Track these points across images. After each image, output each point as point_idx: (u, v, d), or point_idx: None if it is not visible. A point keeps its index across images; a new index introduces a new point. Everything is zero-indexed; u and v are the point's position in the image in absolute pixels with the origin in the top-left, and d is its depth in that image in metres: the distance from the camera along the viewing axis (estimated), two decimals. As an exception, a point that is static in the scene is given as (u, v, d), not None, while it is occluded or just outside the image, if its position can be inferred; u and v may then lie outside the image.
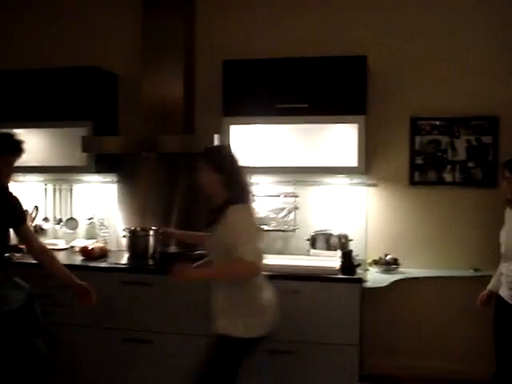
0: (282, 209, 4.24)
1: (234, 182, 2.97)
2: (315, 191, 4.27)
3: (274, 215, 4.25)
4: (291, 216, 4.22)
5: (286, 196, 4.25)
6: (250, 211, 2.97)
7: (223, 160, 3.00)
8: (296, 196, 4.23)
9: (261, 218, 4.20)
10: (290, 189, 4.26)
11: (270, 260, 3.92)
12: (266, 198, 4.27)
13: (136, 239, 4.25)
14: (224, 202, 2.94)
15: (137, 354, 3.90)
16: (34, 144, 4.40)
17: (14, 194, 3.33)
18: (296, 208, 4.21)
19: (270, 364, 3.66)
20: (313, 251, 4.07)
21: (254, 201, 3.04)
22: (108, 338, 3.93)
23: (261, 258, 2.90)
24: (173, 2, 4.21)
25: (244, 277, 2.91)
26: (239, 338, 2.91)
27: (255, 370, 3.65)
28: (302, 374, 3.65)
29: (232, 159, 3.02)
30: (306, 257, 4.03)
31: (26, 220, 3.39)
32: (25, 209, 3.45)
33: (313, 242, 4.09)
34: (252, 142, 4.14)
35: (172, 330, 3.84)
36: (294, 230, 4.20)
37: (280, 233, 4.25)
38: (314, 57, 3.93)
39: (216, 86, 4.08)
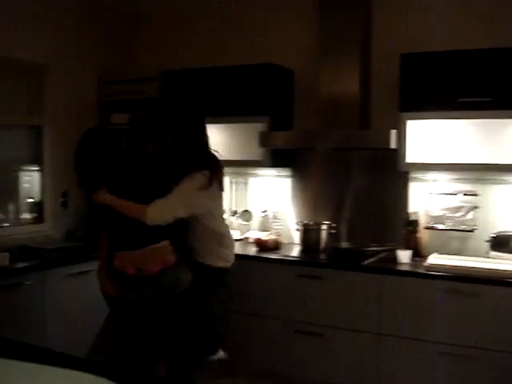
0: (460, 207, 4.05)
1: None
2: (497, 190, 4.02)
3: (451, 214, 4.08)
4: (469, 215, 4.02)
5: (464, 194, 4.06)
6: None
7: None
8: (475, 194, 4.01)
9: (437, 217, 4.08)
10: (468, 187, 4.06)
11: (445, 260, 3.81)
12: (442, 196, 4.11)
13: (308, 233, 4.31)
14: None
15: (306, 346, 3.96)
16: (215, 139, 4.60)
17: None
18: (475, 207, 4.00)
19: (447, 369, 3.54)
20: (493, 253, 3.85)
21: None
22: (279, 328, 4.03)
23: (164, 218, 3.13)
24: (350, -3, 4.21)
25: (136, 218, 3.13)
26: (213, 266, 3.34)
27: (430, 376, 3.58)
28: (481, 381, 3.48)
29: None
30: (485, 259, 3.83)
31: None
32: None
33: (493, 243, 3.86)
34: (430, 138, 4.01)
35: (342, 325, 3.84)
36: (472, 230, 3.99)
37: (457, 232, 4.06)
38: (498, 48, 3.69)
39: (393, 80, 4.00)
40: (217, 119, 4.48)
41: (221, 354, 3.73)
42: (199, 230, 3.32)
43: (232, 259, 3.47)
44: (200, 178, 3.19)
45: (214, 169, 3.28)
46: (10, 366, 1.83)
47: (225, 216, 3.64)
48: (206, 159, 3.30)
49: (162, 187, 3.17)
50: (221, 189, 3.39)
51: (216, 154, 3.41)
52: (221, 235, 3.40)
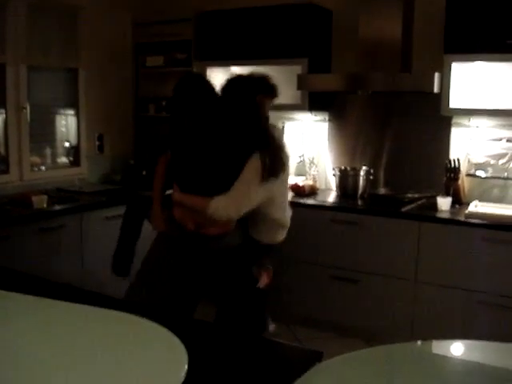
0: (503, 155, 3.93)
1: None
2: (542, 136, 3.89)
3: (494, 161, 3.96)
4: (513, 163, 3.91)
5: (507, 141, 3.92)
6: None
7: None
8: (520, 141, 3.89)
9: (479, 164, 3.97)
10: (513, 133, 3.93)
11: (486, 208, 3.72)
12: (485, 143, 3.98)
13: (345, 179, 4.25)
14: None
15: (342, 292, 3.95)
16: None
17: None
18: (519, 154, 3.89)
19: (485, 318, 3.50)
20: (536, 202, 3.76)
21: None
22: (315, 273, 4.02)
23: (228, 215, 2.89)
24: None
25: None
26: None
27: (467, 325, 3.55)
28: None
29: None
30: (527, 207, 3.73)
31: None
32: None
33: (537, 191, 3.76)
34: (474, 81, 3.86)
35: (379, 272, 3.82)
36: (515, 178, 3.89)
37: (499, 180, 3.95)
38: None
39: (437, 20, 3.84)
40: (253, 62, 4.38)
41: (271, 327, 3.49)
42: (255, 214, 2.99)
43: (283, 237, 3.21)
44: (258, 167, 2.83)
45: (269, 149, 2.88)
46: (47, 305, 1.84)
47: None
48: (262, 139, 2.91)
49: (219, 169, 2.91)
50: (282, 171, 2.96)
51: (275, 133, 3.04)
52: (276, 220, 3.10)
